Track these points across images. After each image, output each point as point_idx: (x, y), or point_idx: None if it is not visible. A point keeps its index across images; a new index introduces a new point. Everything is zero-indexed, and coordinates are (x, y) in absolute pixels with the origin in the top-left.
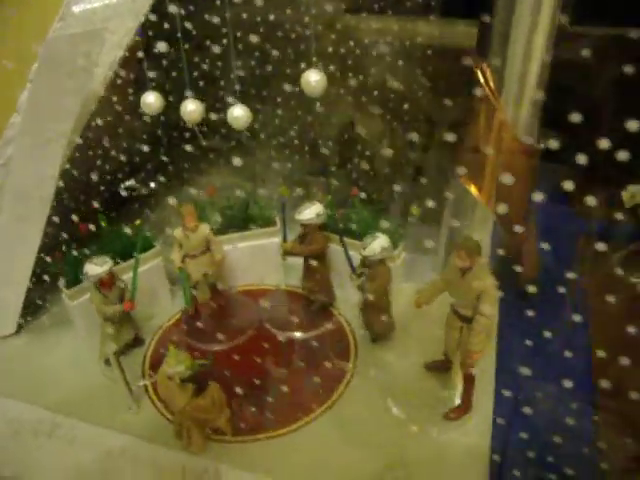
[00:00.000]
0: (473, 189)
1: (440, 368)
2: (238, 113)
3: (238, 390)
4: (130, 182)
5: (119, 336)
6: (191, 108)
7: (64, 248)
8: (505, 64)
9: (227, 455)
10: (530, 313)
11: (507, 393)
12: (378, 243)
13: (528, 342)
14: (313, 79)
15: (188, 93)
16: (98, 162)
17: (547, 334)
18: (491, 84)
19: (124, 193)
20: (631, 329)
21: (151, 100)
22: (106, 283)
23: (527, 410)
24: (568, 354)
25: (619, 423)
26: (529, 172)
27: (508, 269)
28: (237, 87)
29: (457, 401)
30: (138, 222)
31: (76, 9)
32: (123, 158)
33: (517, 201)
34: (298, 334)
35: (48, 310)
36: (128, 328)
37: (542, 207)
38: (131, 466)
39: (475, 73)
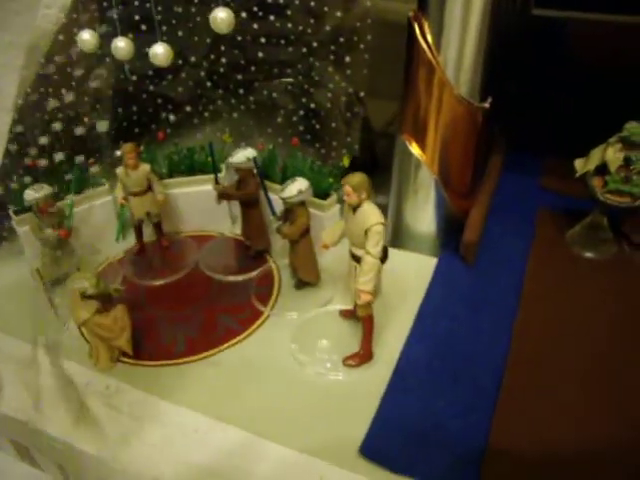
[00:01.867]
0: (415, 148)
1: (353, 315)
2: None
3: (157, 320)
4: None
5: (59, 263)
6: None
7: (15, 178)
8: (444, 19)
9: (131, 376)
10: (463, 277)
11: (415, 350)
12: (295, 186)
13: (451, 306)
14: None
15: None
16: (52, 100)
17: (473, 301)
18: (429, 38)
19: (79, 132)
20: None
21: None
22: (44, 208)
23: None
24: (488, 327)
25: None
26: (473, 132)
27: (450, 231)
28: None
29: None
30: (91, 160)
31: None
32: (79, 99)
33: (462, 167)
34: (228, 277)
35: (7, 240)
36: (68, 258)
37: (505, 175)
38: (37, 375)
39: (412, 26)
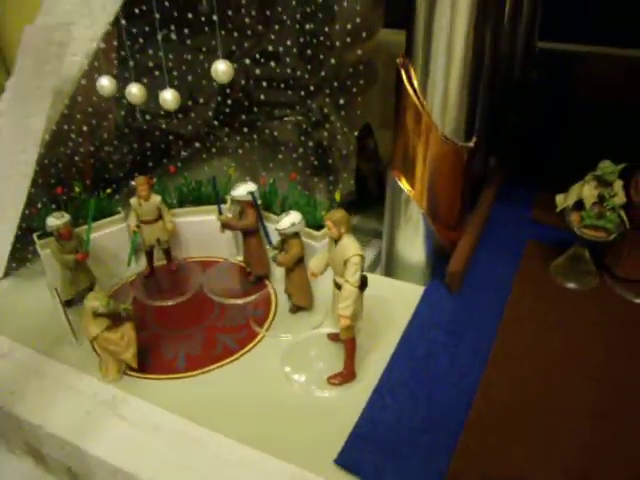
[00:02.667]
0: (405, 184)
1: (338, 338)
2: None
3: (163, 338)
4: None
5: (76, 282)
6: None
7: (39, 206)
8: (428, 65)
9: (136, 388)
10: (446, 304)
11: (395, 371)
12: (289, 219)
13: (432, 331)
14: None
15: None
16: (74, 136)
17: (453, 328)
18: (415, 83)
19: (98, 165)
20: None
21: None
22: (64, 234)
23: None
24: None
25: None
26: (459, 169)
27: (439, 261)
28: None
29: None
30: (108, 191)
31: (57, 5)
32: (98, 135)
33: (449, 201)
34: (229, 300)
35: (31, 261)
36: (85, 278)
37: (498, 206)
38: (41, 383)
39: (400, 72)
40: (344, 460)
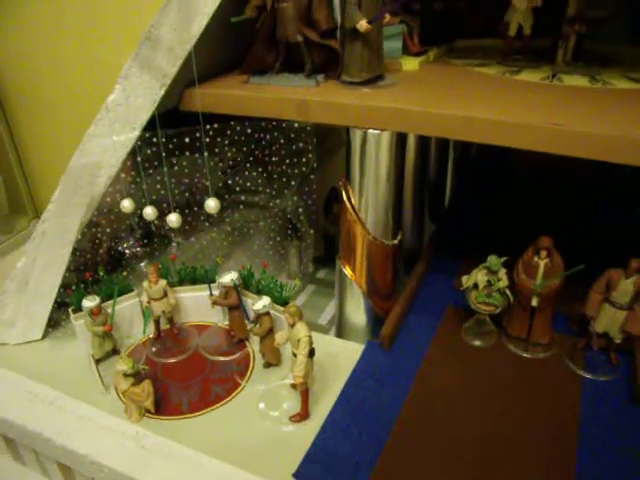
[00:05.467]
0: (348, 270)
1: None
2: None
3: (170, 387)
4: (124, 246)
5: (103, 347)
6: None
7: (74, 287)
8: (362, 187)
9: (153, 426)
10: (379, 359)
11: (337, 411)
12: (262, 302)
13: (367, 381)
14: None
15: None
16: (99, 234)
17: (382, 378)
18: (353, 200)
19: (117, 255)
20: None
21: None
22: (95, 312)
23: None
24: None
25: None
26: (388, 260)
27: (377, 325)
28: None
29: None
30: (124, 273)
31: (89, 144)
32: (117, 234)
33: (382, 281)
34: (218, 357)
35: (62, 326)
36: (109, 342)
37: (430, 276)
38: (80, 423)
39: (340, 190)
40: (299, 475)
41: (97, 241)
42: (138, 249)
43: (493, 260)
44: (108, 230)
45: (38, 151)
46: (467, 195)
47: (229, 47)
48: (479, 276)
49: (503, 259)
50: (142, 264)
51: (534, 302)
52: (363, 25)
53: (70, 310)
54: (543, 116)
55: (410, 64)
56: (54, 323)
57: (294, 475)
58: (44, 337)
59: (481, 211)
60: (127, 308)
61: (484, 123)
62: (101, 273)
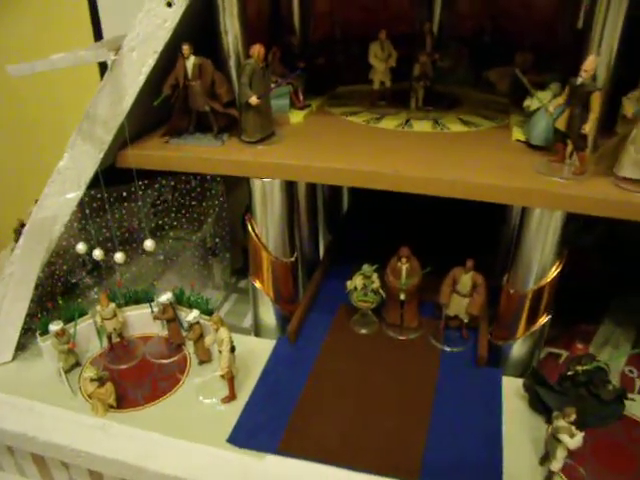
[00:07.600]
0: (258, 284)
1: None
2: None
3: (125, 387)
4: (78, 277)
5: (68, 361)
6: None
7: (39, 314)
8: (265, 220)
9: (116, 417)
10: (287, 350)
11: (257, 391)
12: (192, 314)
13: (278, 367)
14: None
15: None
16: (57, 270)
17: (290, 364)
18: (256, 230)
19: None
20: None
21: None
22: (60, 334)
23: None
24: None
25: None
26: (289, 273)
27: (285, 323)
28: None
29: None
30: (79, 300)
31: (46, 202)
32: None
33: (285, 289)
34: (162, 360)
35: (28, 348)
36: (73, 357)
37: (329, 281)
38: (56, 422)
39: (246, 222)
40: (231, 439)
41: (55, 276)
42: (88, 280)
43: (366, 268)
44: (64, 267)
45: None
46: (358, 211)
47: (153, 113)
48: (357, 280)
49: (375, 267)
50: (94, 291)
51: (402, 296)
52: (254, 100)
53: (37, 334)
54: (390, 163)
55: (296, 117)
56: (21, 346)
57: (227, 440)
58: (13, 359)
59: (367, 224)
60: (84, 328)
61: (345, 172)
62: (60, 302)
